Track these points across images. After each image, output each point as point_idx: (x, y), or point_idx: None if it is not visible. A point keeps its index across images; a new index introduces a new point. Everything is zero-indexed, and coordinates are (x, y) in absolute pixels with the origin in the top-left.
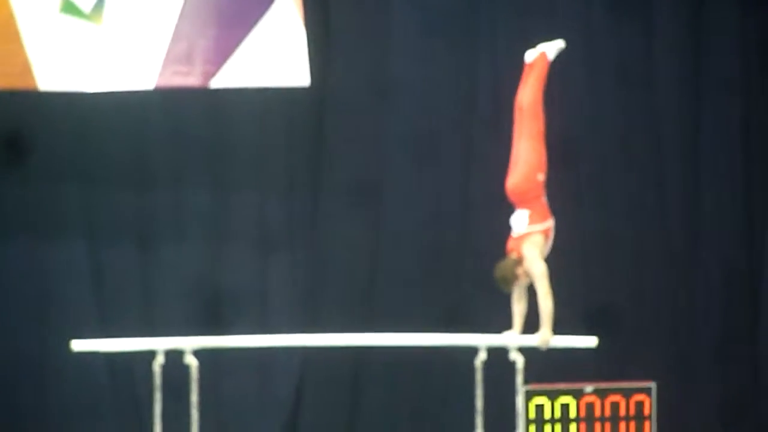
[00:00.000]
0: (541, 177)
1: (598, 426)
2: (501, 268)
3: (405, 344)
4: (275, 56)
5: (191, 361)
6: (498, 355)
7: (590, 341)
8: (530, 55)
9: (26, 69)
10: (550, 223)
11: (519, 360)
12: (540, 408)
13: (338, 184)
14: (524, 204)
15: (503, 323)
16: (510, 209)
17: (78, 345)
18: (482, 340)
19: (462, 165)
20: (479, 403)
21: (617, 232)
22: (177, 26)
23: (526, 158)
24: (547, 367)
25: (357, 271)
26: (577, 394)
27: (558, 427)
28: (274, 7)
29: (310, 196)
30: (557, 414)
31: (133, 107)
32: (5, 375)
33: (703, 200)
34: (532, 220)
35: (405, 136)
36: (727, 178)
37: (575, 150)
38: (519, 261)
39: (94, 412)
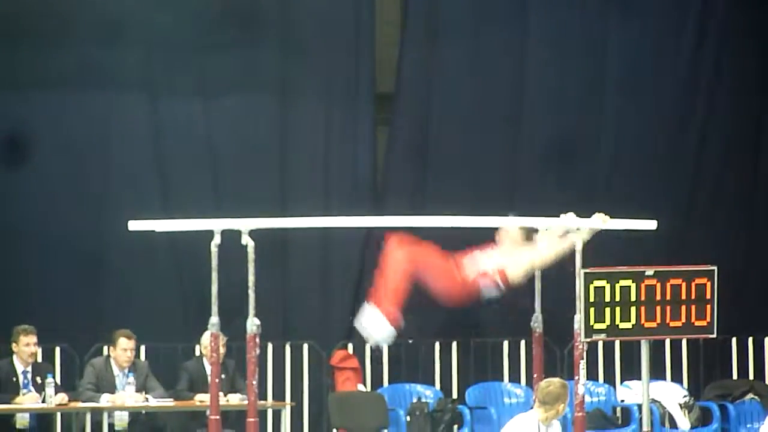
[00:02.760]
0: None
1: (658, 309)
2: None
3: (464, 226)
4: None
5: (248, 241)
6: None
7: (651, 224)
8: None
9: None
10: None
11: (579, 242)
12: (600, 290)
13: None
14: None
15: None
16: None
17: (135, 225)
18: (541, 222)
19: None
20: (537, 284)
21: (678, 115)
22: None
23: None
24: (608, 250)
25: (418, 148)
26: (638, 277)
27: (618, 310)
28: None
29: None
30: (617, 297)
31: None
32: (65, 252)
33: None
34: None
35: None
36: None
37: None
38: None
39: (154, 291)
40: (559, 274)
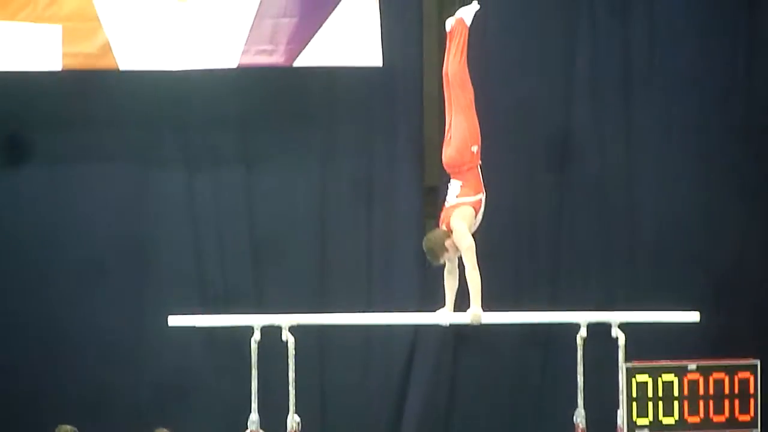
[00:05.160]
0: (475, 149)
1: (701, 404)
2: (429, 240)
3: (506, 322)
4: (352, 37)
5: (288, 337)
6: (601, 331)
7: (693, 316)
8: (449, 23)
9: (105, 49)
10: (480, 196)
11: (621, 336)
12: (643, 386)
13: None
14: (458, 176)
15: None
16: None
17: (174, 320)
18: (582, 317)
19: None
20: (580, 380)
21: (719, 203)
22: (261, 5)
23: (459, 131)
24: (650, 344)
25: None
26: (680, 372)
27: (660, 404)
28: None
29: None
30: (660, 392)
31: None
32: (100, 348)
33: None
34: (463, 192)
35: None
36: None
37: None
38: (448, 233)
39: (191, 389)
40: (600, 368)
